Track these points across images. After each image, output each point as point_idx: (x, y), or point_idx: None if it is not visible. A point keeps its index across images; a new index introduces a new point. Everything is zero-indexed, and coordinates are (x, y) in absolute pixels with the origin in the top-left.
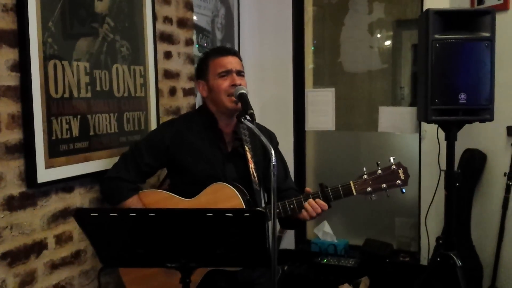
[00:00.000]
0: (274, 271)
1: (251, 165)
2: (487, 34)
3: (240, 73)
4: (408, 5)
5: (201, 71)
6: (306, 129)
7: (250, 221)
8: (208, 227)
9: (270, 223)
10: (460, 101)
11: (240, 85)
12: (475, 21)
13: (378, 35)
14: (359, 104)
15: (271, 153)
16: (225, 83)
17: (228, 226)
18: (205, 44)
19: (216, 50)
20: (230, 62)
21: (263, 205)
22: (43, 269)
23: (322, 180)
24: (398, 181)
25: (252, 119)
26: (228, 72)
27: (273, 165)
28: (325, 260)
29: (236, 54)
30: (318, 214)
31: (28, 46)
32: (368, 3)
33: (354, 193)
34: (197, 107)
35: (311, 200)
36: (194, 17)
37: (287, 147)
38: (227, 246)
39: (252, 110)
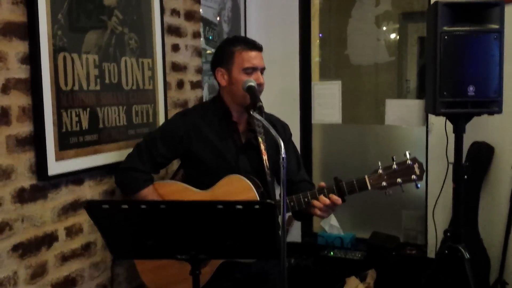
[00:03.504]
0: (284, 262)
1: (265, 157)
2: (496, 26)
3: (263, 71)
4: None
5: (223, 59)
6: (312, 122)
7: (260, 213)
8: (219, 219)
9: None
10: (469, 94)
11: (262, 83)
12: (484, 13)
13: (385, 28)
14: (366, 97)
15: (281, 145)
16: None
17: (238, 218)
18: (211, 38)
19: (244, 41)
20: (257, 58)
21: (277, 197)
22: (54, 261)
23: (329, 173)
24: (414, 176)
25: (261, 112)
26: (254, 69)
27: (283, 157)
28: (331, 253)
29: (262, 49)
30: (331, 209)
31: (38, 39)
32: None
33: (369, 188)
34: (204, 100)
35: (321, 196)
36: (201, 10)
37: (293, 140)
38: (237, 238)
39: (261, 102)
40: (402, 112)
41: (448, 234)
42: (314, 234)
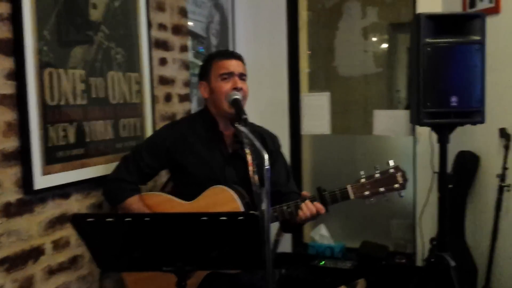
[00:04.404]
0: (270, 273)
1: (251, 168)
2: (478, 38)
3: (242, 77)
4: (402, 9)
5: (204, 72)
6: (302, 133)
7: (244, 225)
8: (203, 230)
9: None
10: (452, 104)
11: (241, 89)
12: (466, 25)
13: (373, 39)
14: (355, 108)
15: (264, 157)
16: (226, 86)
17: (222, 230)
18: (201, 50)
19: (220, 52)
20: (233, 64)
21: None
22: (41, 275)
23: (319, 184)
24: (396, 185)
25: (246, 124)
26: (230, 75)
27: (267, 169)
28: (322, 263)
29: (241, 58)
30: (313, 216)
31: (23, 55)
32: (361, 8)
33: (352, 197)
34: (192, 112)
35: (307, 201)
36: (190, 23)
37: (283, 151)
38: (222, 249)
39: (246, 115)
40: (390, 122)
41: (434, 242)
42: (304, 244)
